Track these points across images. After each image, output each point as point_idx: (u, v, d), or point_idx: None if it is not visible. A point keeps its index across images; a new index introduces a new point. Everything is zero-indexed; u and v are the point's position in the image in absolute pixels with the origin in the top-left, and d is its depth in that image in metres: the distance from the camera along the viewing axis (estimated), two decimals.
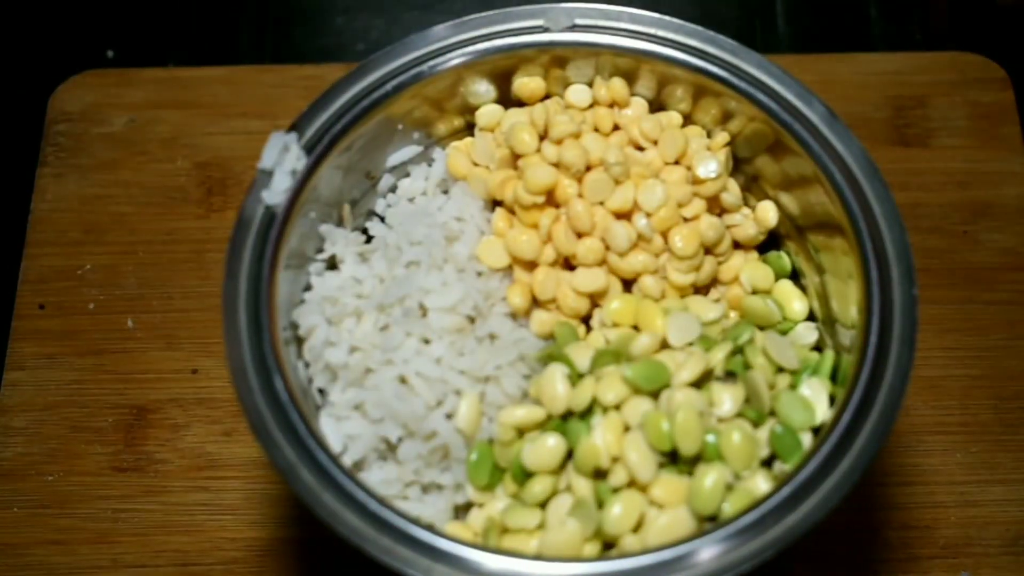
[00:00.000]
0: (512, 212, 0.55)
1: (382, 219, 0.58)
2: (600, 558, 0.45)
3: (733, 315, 0.55)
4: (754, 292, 0.55)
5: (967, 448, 0.63)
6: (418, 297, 0.52)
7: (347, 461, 0.50)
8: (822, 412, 0.50)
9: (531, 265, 0.54)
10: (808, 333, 0.54)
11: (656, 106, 0.57)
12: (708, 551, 0.44)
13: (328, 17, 0.83)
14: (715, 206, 0.56)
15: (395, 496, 0.51)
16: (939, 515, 0.61)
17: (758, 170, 0.56)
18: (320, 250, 0.55)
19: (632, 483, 0.48)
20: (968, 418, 0.64)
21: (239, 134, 0.72)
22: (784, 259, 0.57)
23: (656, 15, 0.55)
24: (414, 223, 0.54)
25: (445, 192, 0.58)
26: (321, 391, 0.53)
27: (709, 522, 0.46)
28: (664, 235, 0.54)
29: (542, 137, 0.55)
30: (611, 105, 0.57)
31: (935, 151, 0.71)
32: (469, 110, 0.58)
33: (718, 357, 0.49)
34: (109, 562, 0.60)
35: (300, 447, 0.46)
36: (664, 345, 0.51)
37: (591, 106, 0.57)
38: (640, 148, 0.56)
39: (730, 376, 0.50)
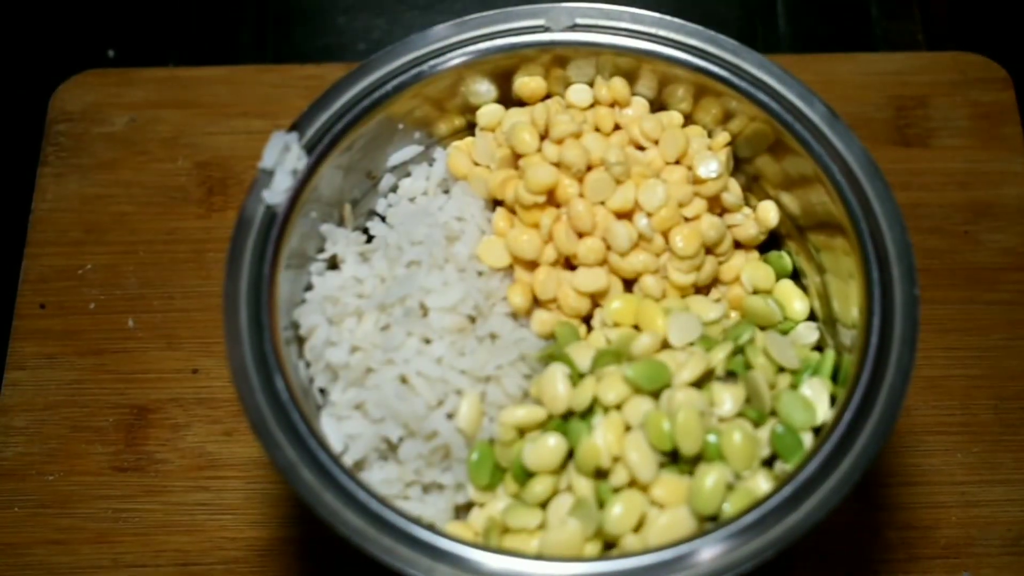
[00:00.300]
0: (513, 212, 0.55)
1: (383, 219, 0.58)
2: (601, 558, 0.45)
3: (734, 315, 0.55)
4: (755, 292, 0.55)
5: (968, 448, 0.63)
6: (419, 297, 0.52)
7: (348, 461, 0.50)
8: (823, 412, 0.50)
9: (532, 265, 0.54)
10: (809, 333, 0.54)
11: (657, 106, 0.57)
12: (709, 551, 0.44)
13: (329, 17, 0.83)
14: (716, 206, 0.56)
15: (396, 496, 0.51)
16: (940, 515, 0.61)
17: (759, 170, 0.56)
18: (321, 250, 0.55)
19: (633, 483, 0.47)
20: (969, 418, 0.64)
21: (240, 134, 0.72)
22: (785, 259, 0.57)
23: (657, 15, 0.55)
24: (415, 223, 0.54)
25: (446, 192, 0.58)
26: (322, 391, 0.53)
27: (710, 522, 0.46)
28: (665, 235, 0.54)
29: (543, 137, 0.55)
30: (612, 105, 0.57)
31: (936, 151, 0.71)
32: (470, 110, 0.58)
33: (719, 357, 0.49)
34: (110, 562, 0.60)
35: (301, 447, 0.46)
36: (665, 345, 0.51)
37: (592, 106, 0.57)
38: (641, 148, 0.56)
39: (731, 376, 0.50)
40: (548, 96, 0.58)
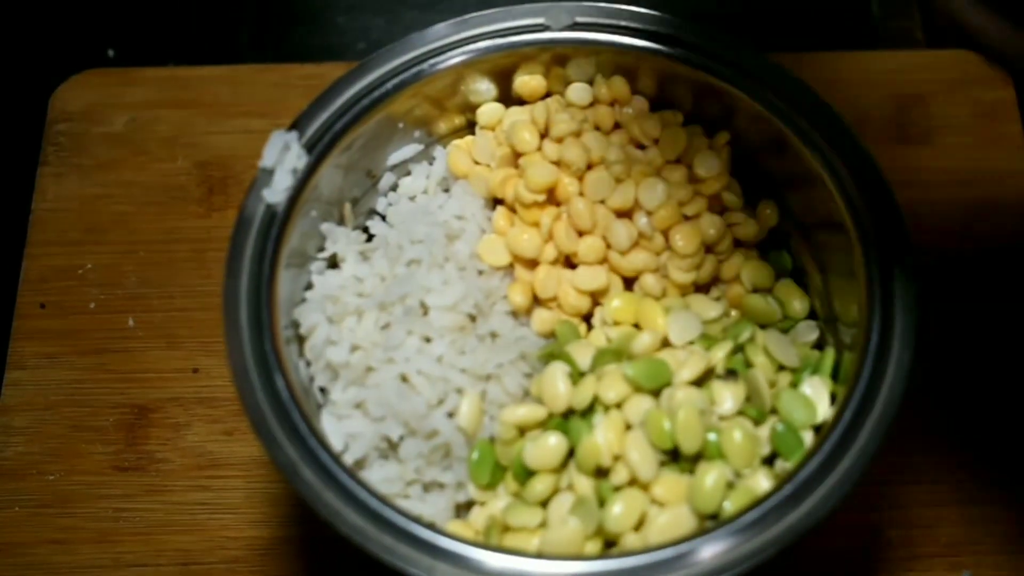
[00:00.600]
0: (513, 210, 0.55)
1: (383, 218, 0.58)
2: (601, 556, 0.45)
3: (734, 313, 0.55)
4: (755, 290, 0.55)
5: (969, 447, 0.63)
6: (419, 295, 0.52)
7: (348, 460, 0.50)
8: (823, 410, 0.50)
9: (532, 263, 0.54)
10: (809, 331, 0.54)
11: (657, 104, 0.57)
12: (709, 549, 0.44)
13: (329, 16, 0.83)
14: (716, 204, 0.56)
15: (396, 495, 0.51)
16: (941, 513, 0.61)
17: (759, 168, 0.56)
18: (321, 249, 0.55)
19: (633, 481, 0.47)
20: (970, 416, 0.63)
21: (240, 133, 0.72)
22: (785, 257, 0.57)
23: (657, 13, 0.55)
24: (415, 221, 0.54)
25: (446, 190, 0.58)
26: (322, 390, 0.53)
27: (710, 520, 0.46)
28: (665, 233, 0.54)
29: (543, 135, 0.55)
30: (612, 103, 0.57)
31: (937, 149, 0.71)
32: (470, 108, 0.58)
33: (719, 355, 0.49)
34: (111, 561, 0.60)
35: (301, 446, 0.46)
36: (665, 343, 0.51)
37: (592, 104, 0.57)
38: (641, 146, 0.56)
39: (731, 374, 0.50)
40: (548, 95, 0.58)
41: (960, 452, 0.63)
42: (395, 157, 0.57)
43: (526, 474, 0.49)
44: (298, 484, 0.45)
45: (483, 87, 0.57)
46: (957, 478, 0.62)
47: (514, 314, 0.54)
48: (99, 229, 0.69)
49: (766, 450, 0.49)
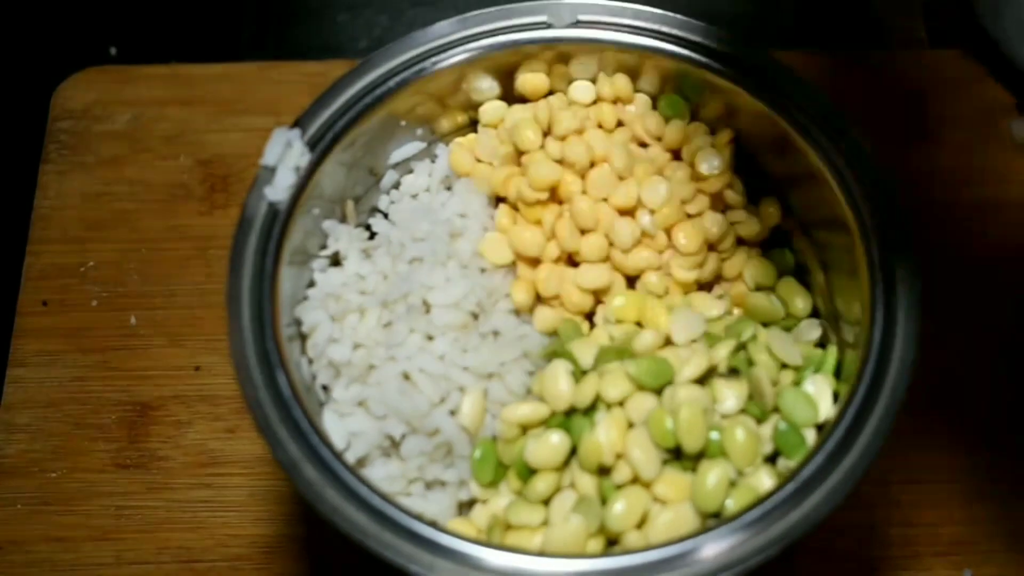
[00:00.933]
0: (516, 208, 0.55)
1: (385, 215, 0.58)
2: (603, 554, 0.45)
3: (737, 312, 0.55)
4: (758, 288, 0.55)
5: (971, 445, 0.62)
6: (421, 293, 0.52)
7: (350, 458, 0.50)
8: (826, 409, 0.49)
9: (535, 261, 0.54)
10: (812, 329, 0.54)
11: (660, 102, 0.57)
12: (711, 548, 0.44)
13: (331, 13, 0.83)
14: (719, 203, 0.56)
15: (398, 492, 0.51)
16: (942, 513, 0.61)
17: (762, 166, 0.56)
18: (323, 246, 0.55)
19: (636, 480, 0.47)
20: (972, 415, 0.63)
21: (242, 131, 0.72)
22: (788, 255, 0.57)
23: (660, 11, 0.55)
24: (417, 219, 0.54)
25: (448, 188, 0.58)
26: (324, 388, 0.53)
27: (712, 519, 0.46)
28: (668, 232, 0.54)
29: (545, 133, 0.55)
30: (615, 101, 0.57)
31: (939, 147, 0.71)
32: (472, 106, 0.58)
33: (722, 354, 0.49)
34: (112, 559, 0.60)
35: (303, 444, 0.46)
36: (668, 342, 0.51)
37: (595, 102, 0.57)
38: (644, 144, 0.56)
39: (734, 373, 0.50)
40: (551, 93, 0.58)
41: (962, 451, 0.62)
42: (397, 155, 0.57)
43: (528, 472, 0.49)
44: (300, 482, 0.45)
45: (485, 85, 0.57)
46: (959, 477, 0.62)
47: (516, 312, 0.54)
48: (101, 227, 0.69)
49: (768, 448, 0.49)
